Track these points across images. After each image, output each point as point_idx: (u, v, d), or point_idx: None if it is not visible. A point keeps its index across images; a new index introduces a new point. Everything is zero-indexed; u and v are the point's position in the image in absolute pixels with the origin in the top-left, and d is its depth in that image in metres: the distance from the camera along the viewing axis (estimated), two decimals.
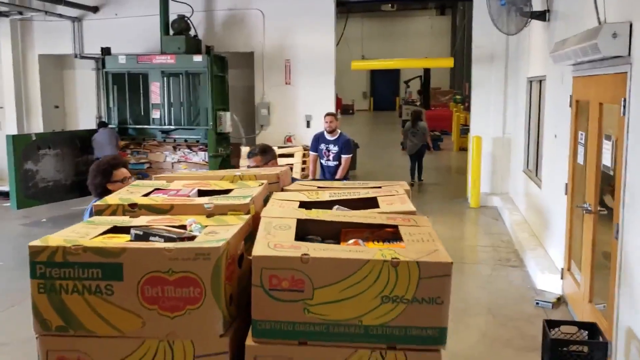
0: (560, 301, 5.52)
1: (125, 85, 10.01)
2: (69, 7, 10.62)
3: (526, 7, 7.10)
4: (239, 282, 1.62)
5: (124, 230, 1.69)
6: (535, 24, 7.22)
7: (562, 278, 5.68)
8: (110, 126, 9.91)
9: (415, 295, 1.47)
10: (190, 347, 1.50)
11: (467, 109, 12.47)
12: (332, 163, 7.21)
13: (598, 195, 4.64)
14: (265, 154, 4.13)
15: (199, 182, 2.15)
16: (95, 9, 10.97)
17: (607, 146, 4.36)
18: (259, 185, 2.06)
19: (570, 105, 5.48)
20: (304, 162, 8.96)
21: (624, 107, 3.88)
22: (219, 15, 10.65)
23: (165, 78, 9.81)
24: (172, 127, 9.93)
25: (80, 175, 9.21)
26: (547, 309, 5.37)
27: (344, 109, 25.55)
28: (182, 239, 1.59)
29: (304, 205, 1.98)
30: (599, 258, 4.66)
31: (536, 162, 7.66)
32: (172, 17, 10.15)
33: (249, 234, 1.74)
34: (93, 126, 10.47)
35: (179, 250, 1.46)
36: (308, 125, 10.33)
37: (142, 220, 1.75)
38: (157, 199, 1.92)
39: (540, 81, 7.34)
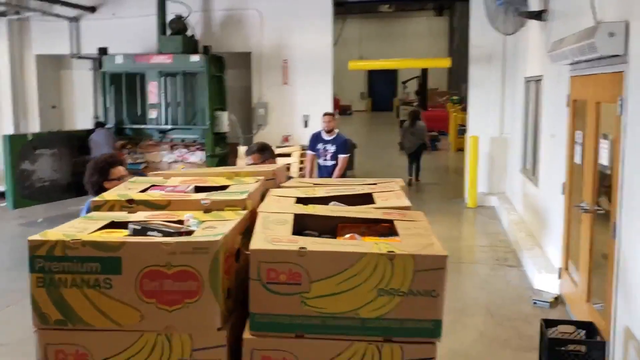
0: (557, 301, 5.52)
1: (123, 86, 10.01)
2: (66, 7, 10.62)
3: (523, 7, 7.13)
4: (236, 276, 1.63)
5: (122, 225, 1.70)
6: (533, 23, 7.24)
7: (559, 278, 5.69)
8: (107, 126, 9.91)
9: (411, 288, 1.49)
10: (188, 340, 1.51)
11: (465, 110, 12.49)
12: (329, 163, 7.23)
13: (595, 195, 4.66)
14: (263, 152, 4.15)
15: (196, 178, 2.16)
16: (92, 9, 10.96)
17: (604, 145, 4.38)
18: (256, 182, 2.07)
19: (568, 105, 5.50)
20: (301, 162, 8.97)
21: (621, 106, 3.90)
22: (217, 15, 10.66)
23: (162, 78, 9.81)
24: (169, 127, 9.93)
25: (76, 175, 9.19)
26: (545, 308, 5.38)
27: (342, 109, 25.57)
28: (179, 234, 1.60)
29: (301, 201, 1.99)
30: (597, 258, 4.66)
31: (533, 162, 7.67)
32: (170, 17, 10.16)
33: (246, 229, 1.75)
34: (90, 126, 10.47)
35: (177, 244, 1.48)
36: (306, 125, 10.34)
37: (140, 215, 1.76)
38: (154, 195, 1.93)
39: (538, 81, 7.36)
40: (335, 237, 1.77)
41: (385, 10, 28.08)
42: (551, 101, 6.47)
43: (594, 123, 4.66)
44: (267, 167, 2.38)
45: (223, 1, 10.57)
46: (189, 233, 1.60)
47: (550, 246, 6.27)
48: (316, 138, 7.35)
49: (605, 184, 4.64)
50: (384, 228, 1.80)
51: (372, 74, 32.43)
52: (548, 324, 3.89)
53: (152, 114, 9.98)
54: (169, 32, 10.09)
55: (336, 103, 12.63)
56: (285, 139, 10.44)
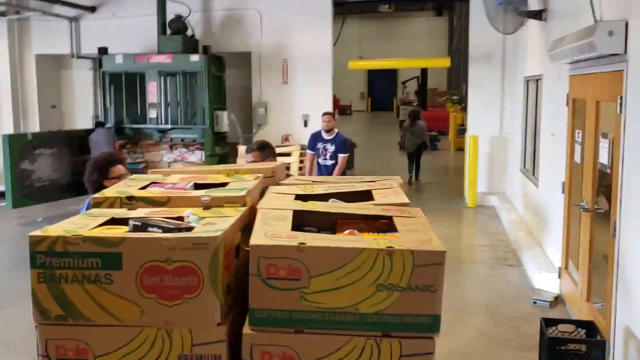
0: (558, 300, 5.51)
1: (122, 85, 10.02)
2: (66, 7, 10.62)
3: (522, 6, 7.13)
4: (236, 272, 1.64)
5: (122, 222, 1.71)
6: (532, 23, 7.25)
7: (559, 277, 5.68)
8: (107, 126, 9.92)
9: (410, 283, 1.49)
10: (188, 335, 1.52)
11: (464, 110, 12.50)
12: (329, 162, 7.24)
13: (595, 194, 4.65)
14: (264, 150, 4.16)
15: (195, 176, 2.17)
16: (92, 9, 10.97)
17: (604, 144, 4.37)
18: (255, 179, 2.08)
19: (567, 104, 5.50)
20: (301, 162, 8.98)
21: (621, 104, 3.90)
22: (217, 15, 10.67)
23: (162, 78, 9.82)
24: (169, 126, 9.95)
25: (76, 175, 9.20)
26: (545, 308, 5.37)
27: (341, 109, 25.58)
28: (179, 230, 1.60)
29: (300, 198, 2.00)
30: (597, 257, 4.65)
31: (533, 161, 7.68)
32: (170, 17, 10.16)
33: (246, 226, 1.76)
34: (90, 126, 10.48)
35: (178, 239, 1.48)
36: (305, 124, 10.35)
37: (140, 212, 1.77)
38: (154, 191, 1.94)
39: (538, 80, 7.37)
40: (334, 234, 1.78)
41: (385, 10, 28.06)
42: (551, 100, 6.47)
43: (593, 122, 4.66)
44: (266, 165, 2.39)
45: (223, 1, 10.58)
46: (189, 229, 1.61)
47: (550, 245, 6.27)
48: (316, 137, 7.36)
49: (603, 184, 4.64)
50: (383, 224, 1.81)
51: (372, 74, 32.47)
52: (548, 323, 3.88)
53: (152, 113, 9.99)
54: (168, 32, 10.09)
55: (336, 103, 12.64)
56: (285, 138, 10.45)
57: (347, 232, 1.72)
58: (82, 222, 1.64)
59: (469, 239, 8.54)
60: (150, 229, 1.59)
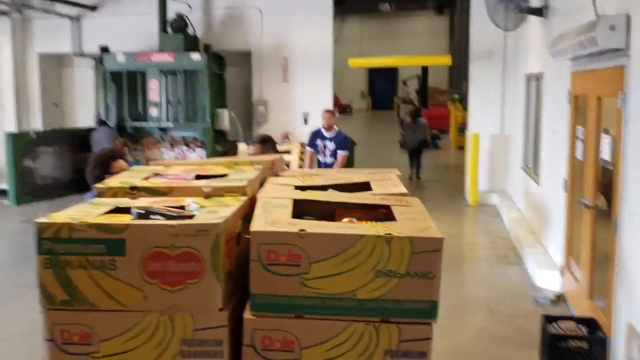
0: (559, 298, 5.48)
1: (124, 84, 10.05)
2: (67, 6, 10.66)
3: (524, 3, 7.14)
4: (236, 260, 1.67)
5: (126, 211, 1.74)
6: (533, 20, 7.25)
7: (561, 275, 5.67)
8: (108, 124, 9.95)
9: (408, 270, 1.52)
10: (190, 320, 1.55)
11: (465, 108, 12.52)
12: (329, 160, 7.23)
13: (597, 191, 4.63)
14: (265, 144, 4.20)
15: (196, 167, 2.21)
16: (93, 8, 11.01)
17: (605, 140, 4.35)
18: (255, 170, 2.11)
19: (569, 101, 5.48)
20: (301, 159, 8.99)
21: (622, 100, 3.88)
22: (217, 13, 10.70)
23: (163, 76, 9.86)
24: (170, 124, 9.98)
25: (78, 172, 9.24)
26: (546, 306, 5.33)
27: (342, 108, 25.59)
28: (182, 218, 1.63)
29: (299, 189, 2.02)
30: (599, 255, 4.62)
31: (534, 159, 7.67)
32: (170, 15, 10.20)
33: (246, 215, 1.79)
34: (91, 124, 10.51)
35: (181, 226, 1.52)
36: (305, 122, 10.37)
37: (143, 201, 1.79)
38: (156, 182, 1.97)
39: (539, 77, 7.37)
40: None
41: (385, 9, 28.04)
42: (552, 97, 6.46)
43: (595, 118, 4.64)
44: (265, 158, 2.42)
45: None
46: (191, 217, 1.64)
47: (552, 243, 6.25)
48: (315, 135, 7.36)
49: (603, 182, 4.61)
50: (381, 214, 1.83)
51: (372, 73, 32.45)
52: (549, 319, 3.84)
53: (153, 111, 10.03)
54: (170, 30, 10.13)
55: (336, 102, 12.66)
56: (285, 136, 10.48)
57: (345, 220, 1.75)
58: (86, 210, 1.67)
59: (470, 237, 8.55)
60: (153, 216, 1.62)
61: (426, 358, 1.55)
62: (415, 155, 12.12)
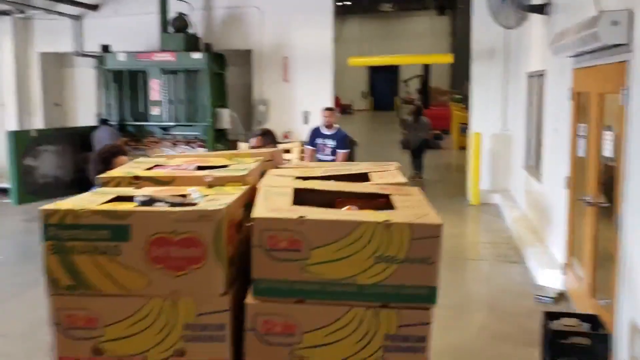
0: (561, 297, 5.46)
1: (125, 83, 10.08)
2: (69, 5, 10.69)
3: (525, 0, 7.13)
4: (238, 247, 1.69)
5: (129, 200, 1.76)
6: (535, 18, 7.24)
7: (563, 273, 5.66)
8: (110, 123, 9.98)
9: (407, 256, 1.54)
10: (192, 305, 1.58)
11: (467, 108, 12.53)
12: (329, 158, 7.24)
13: (599, 188, 4.63)
14: (266, 137, 4.24)
15: (198, 159, 2.24)
16: (95, 7, 11.04)
17: (607, 137, 4.34)
18: (255, 161, 2.14)
19: (571, 99, 5.47)
20: (301, 158, 9.00)
21: (625, 96, 3.88)
22: (218, 13, 10.73)
23: (164, 75, 9.89)
24: (171, 123, 10.01)
25: (80, 171, 9.27)
26: (548, 304, 5.31)
27: (342, 108, 25.61)
28: (185, 205, 1.66)
29: (300, 179, 2.05)
30: (601, 253, 4.60)
31: (537, 158, 7.65)
32: (172, 15, 10.22)
33: (247, 204, 1.81)
34: (93, 123, 10.53)
35: (184, 212, 1.55)
36: (306, 121, 10.39)
37: (146, 191, 1.82)
38: (159, 172, 2.00)
39: (540, 76, 7.34)
40: None
41: (386, 9, 28.06)
42: (554, 95, 6.44)
43: (597, 115, 4.63)
44: (265, 150, 2.45)
45: None
46: (194, 205, 1.66)
47: (554, 242, 6.23)
48: (315, 132, 7.37)
49: (605, 179, 4.59)
50: (381, 203, 1.85)
51: (373, 73, 32.45)
52: (550, 316, 3.80)
53: (154, 111, 10.05)
54: (171, 29, 10.16)
55: (337, 102, 12.67)
56: (286, 135, 10.49)
57: (345, 208, 1.77)
58: (91, 198, 1.70)
59: (472, 236, 8.55)
60: (156, 203, 1.65)
61: (425, 342, 1.58)
62: (416, 155, 12.12)
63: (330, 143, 7.22)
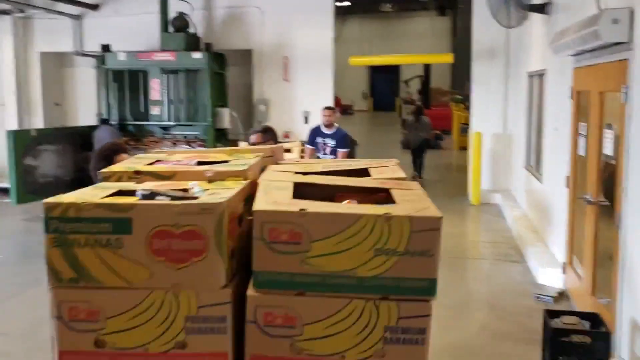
0: (562, 296, 5.48)
1: (125, 83, 10.10)
2: (69, 5, 10.71)
3: (526, 0, 7.15)
4: (239, 240, 1.70)
5: (131, 194, 1.77)
6: (536, 17, 7.26)
7: (563, 272, 5.67)
8: (110, 123, 10.00)
9: (407, 248, 1.55)
10: (194, 297, 1.58)
11: (468, 109, 12.54)
12: (329, 157, 7.26)
13: (599, 186, 4.63)
14: (266, 133, 4.25)
15: (198, 155, 2.25)
16: (95, 7, 11.06)
17: (608, 135, 4.35)
18: (255, 157, 2.16)
19: (572, 97, 5.48)
20: (302, 157, 9.01)
21: (626, 94, 3.89)
22: (218, 12, 10.75)
23: (164, 75, 9.90)
24: (172, 123, 10.03)
25: (80, 171, 9.28)
26: (549, 303, 5.33)
27: (343, 109, 25.62)
28: (186, 199, 1.67)
29: (299, 174, 2.06)
30: (601, 252, 4.61)
31: (537, 157, 7.66)
32: (172, 14, 10.24)
33: (247, 198, 1.83)
34: (93, 123, 10.55)
35: (185, 205, 1.56)
36: (306, 121, 10.41)
37: (147, 185, 1.83)
38: (160, 167, 2.01)
39: (541, 75, 7.35)
40: None
41: (387, 10, 28.07)
42: (554, 95, 6.46)
43: (597, 113, 4.64)
44: (266, 147, 2.46)
45: None
46: (195, 198, 1.68)
47: (554, 241, 6.25)
48: (315, 132, 7.38)
49: (605, 178, 4.59)
50: (381, 197, 1.86)
51: (374, 74, 32.48)
52: (551, 314, 3.81)
53: (155, 110, 10.07)
54: (171, 29, 10.17)
55: (337, 102, 12.68)
56: (286, 135, 10.51)
57: (345, 202, 1.78)
58: (93, 192, 1.71)
59: (473, 235, 8.56)
60: (157, 197, 1.66)
61: (425, 334, 1.59)
62: (417, 155, 12.13)
63: (331, 142, 7.24)
